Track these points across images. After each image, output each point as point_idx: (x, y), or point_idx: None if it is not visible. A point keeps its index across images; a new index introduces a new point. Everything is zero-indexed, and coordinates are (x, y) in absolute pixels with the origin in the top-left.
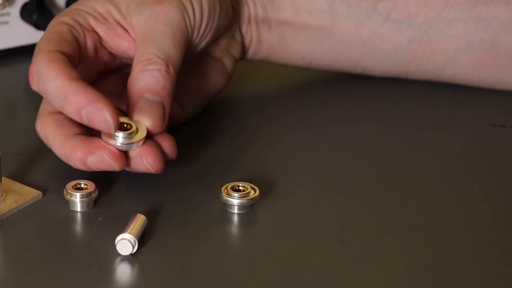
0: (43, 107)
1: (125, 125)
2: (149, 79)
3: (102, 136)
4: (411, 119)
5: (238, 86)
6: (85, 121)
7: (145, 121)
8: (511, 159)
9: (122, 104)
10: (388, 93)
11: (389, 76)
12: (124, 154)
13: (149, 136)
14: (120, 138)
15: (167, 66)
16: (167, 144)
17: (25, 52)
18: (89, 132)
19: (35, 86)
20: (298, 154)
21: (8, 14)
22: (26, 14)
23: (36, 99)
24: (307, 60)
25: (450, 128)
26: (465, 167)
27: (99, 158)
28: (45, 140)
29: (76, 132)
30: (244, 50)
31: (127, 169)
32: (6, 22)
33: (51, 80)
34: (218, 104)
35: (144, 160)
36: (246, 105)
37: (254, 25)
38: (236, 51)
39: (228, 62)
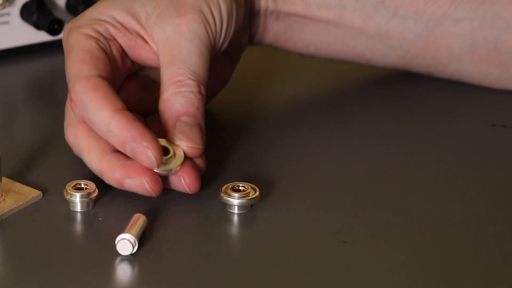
0: (75, 115)
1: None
2: (183, 101)
3: None
4: (410, 119)
5: (238, 86)
6: (128, 154)
7: (185, 146)
8: (511, 159)
9: (143, 107)
10: (387, 92)
11: (392, 68)
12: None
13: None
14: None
15: (199, 87)
16: (200, 160)
17: (25, 52)
18: None
19: (78, 112)
20: (298, 154)
21: (8, 14)
22: (26, 14)
23: (36, 99)
24: (311, 50)
25: (450, 128)
26: (465, 167)
27: (138, 184)
28: (76, 150)
29: (114, 148)
30: (250, 38)
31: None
32: (6, 22)
33: (95, 110)
34: (218, 104)
35: (182, 181)
36: (246, 105)
37: (263, 16)
38: (243, 42)
39: (235, 55)
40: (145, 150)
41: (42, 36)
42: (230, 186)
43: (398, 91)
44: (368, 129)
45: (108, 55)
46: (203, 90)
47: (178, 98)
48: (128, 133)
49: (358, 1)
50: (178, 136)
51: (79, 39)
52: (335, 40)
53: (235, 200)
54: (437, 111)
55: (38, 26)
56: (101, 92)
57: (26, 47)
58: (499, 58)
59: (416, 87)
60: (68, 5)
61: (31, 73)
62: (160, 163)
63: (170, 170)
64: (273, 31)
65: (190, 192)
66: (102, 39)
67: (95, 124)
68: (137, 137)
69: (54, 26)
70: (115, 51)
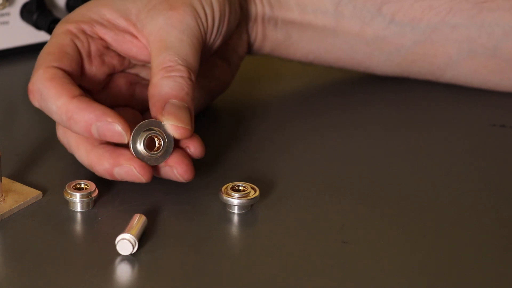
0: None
1: (152, 140)
2: (173, 85)
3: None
4: (411, 120)
5: (239, 86)
6: (96, 136)
7: (172, 125)
8: (511, 159)
9: (135, 104)
10: (388, 94)
11: (390, 75)
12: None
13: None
14: (146, 157)
15: (189, 73)
16: (195, 145)
17: (25, 52)
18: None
19: (36, 103)
20: (298, 154)
21: (8, 14)
22: (26, 14)
23: None
24: (310, 57)
25: (451, 128)
26: (465, 167)
27: (127, 170)
28: (67, 147)
29: (101, 141)
30: (249, 46)
31: (156, 175)
32: (6, 22)
33: (53, 99)
34: (219, 105)
35: (175, 171)
36: (246, 106)
37: (260, 23)
38: (242, 49)
39: (234, 61)
40: (111, 125)
41: (42, 36)
42: (230, 186)
43: (398, 93)
44: (369, 130)
45: (81, 53)
46: (193, 77)
47: (168, 81)
48: (90, 114)
49: (355, 7)
50: (166, 117)
51: (58, 33)
52: (333, 47)
53: (235, 200)
54: (437, 112)
55: (38, 26)
56: (58, 81)
57: (26, 47)
58: (498, 65)
59: (415, 89)
60: (68, 5)
61: (31, 73)
62: (130, 135)
63: (157, 160)
64: (272, 39)
65: (183, 181)
66: (82, 36)
67: (55, 114)
68: (101, 115)
69: (54, 26)
70: (94, 49)
